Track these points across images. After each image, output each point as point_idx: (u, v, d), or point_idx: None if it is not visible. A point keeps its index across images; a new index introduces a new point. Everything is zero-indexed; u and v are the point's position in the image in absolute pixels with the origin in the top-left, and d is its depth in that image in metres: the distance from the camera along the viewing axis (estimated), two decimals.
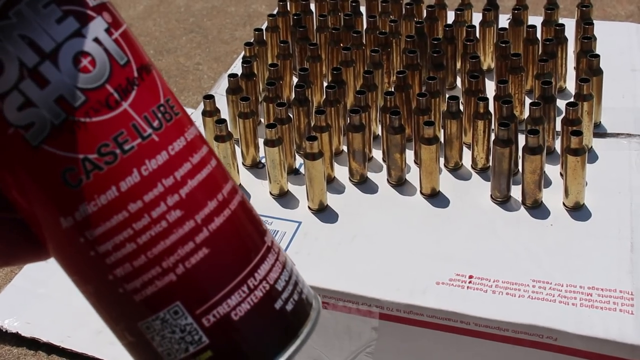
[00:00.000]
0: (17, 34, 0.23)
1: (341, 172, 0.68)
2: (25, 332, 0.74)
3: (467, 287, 0.57)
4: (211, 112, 0.68)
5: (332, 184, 0.67)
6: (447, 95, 0.68)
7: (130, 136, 0.24)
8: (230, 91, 0.71)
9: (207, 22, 1.34)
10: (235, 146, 0.68)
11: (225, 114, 0.70)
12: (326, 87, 0.68)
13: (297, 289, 0.27)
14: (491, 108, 0.66)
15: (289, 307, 0.26)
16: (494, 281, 0.57)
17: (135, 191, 0.24)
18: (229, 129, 0.67)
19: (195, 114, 0.78)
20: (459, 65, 0.78)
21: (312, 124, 0.66)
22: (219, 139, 0.65)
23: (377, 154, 0.70)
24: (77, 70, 0.23)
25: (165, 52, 1.26)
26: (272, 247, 0.27)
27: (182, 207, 0.24)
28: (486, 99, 0.64)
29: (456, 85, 0.78)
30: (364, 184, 0.67)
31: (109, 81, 0.24)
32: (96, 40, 0.24)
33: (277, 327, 0.26)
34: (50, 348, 0.74)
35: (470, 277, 0.57)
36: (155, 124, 0.24)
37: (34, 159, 0.23)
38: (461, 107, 0.67)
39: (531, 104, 0.64)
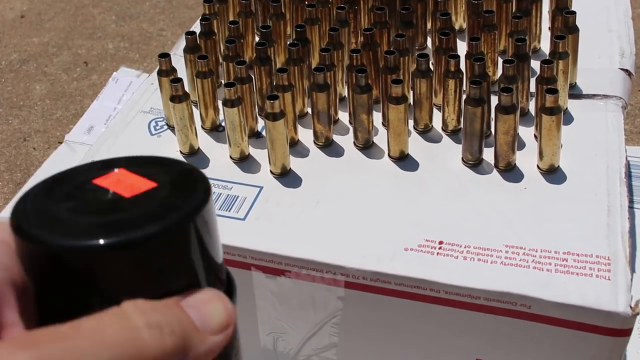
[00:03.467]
0: None
1: (305, 135, 0.65)
2: None
3: (437, 253, 0.54)
4: (167, 71, 0.64)
5: (296, 147, 0.64)
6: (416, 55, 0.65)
7: None
8: (188, 50, 0.67)
9: None
10: (194, 109, 0.64)
11: (184, 75, 0.66)
12: (289, 44, 0.65)
13: None
14: (462, 68, 0.63)
15: None
16: (465, 247, 0.54)
17: None
18: (188, 91, 0.63)
19: (153, 76, 0.74)
20: (429, 25, 0.75)
21: (274, 84, 0.63)
22: (174, 99, 0.61)
23: (344, 117, 0.67)
24: None
25: (128, 17, 1.21)
26: None
27: None
28: (457, 57, 0.61)
29: (426, 45, 0.75)
30: (329, 147, 0.64)
31: None
32: None
33: None
34: None
35: (440, 242, 0.54)
36: None
37: None
38: (431, 67, 0.64)
39: (504, 62, 0.60)
